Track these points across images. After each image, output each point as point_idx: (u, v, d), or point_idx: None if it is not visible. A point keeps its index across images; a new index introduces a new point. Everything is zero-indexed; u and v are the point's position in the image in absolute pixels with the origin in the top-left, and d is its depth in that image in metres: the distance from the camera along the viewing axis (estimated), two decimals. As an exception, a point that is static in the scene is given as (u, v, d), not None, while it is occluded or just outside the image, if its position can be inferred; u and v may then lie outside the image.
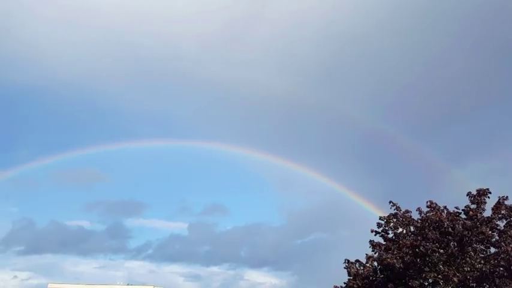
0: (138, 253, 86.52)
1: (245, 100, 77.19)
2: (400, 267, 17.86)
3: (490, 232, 18.56)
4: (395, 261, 17.86)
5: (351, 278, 19.19)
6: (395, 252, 18.26)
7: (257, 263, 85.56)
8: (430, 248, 17.52)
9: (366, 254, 19.35)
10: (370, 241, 19.37)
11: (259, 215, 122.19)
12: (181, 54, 76.67)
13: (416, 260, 17.79)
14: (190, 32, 73.39)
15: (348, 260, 19.41)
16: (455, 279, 17.27)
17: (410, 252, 17.94)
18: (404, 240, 18.33)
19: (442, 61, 70.49)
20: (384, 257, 18.32)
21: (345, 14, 69.96)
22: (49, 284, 54.25)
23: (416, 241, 18.11)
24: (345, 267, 19.38)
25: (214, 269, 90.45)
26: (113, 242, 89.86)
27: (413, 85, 72.04)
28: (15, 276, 76.39)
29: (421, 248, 17.62)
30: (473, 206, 19.03)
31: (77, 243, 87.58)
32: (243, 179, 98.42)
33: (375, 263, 19.13)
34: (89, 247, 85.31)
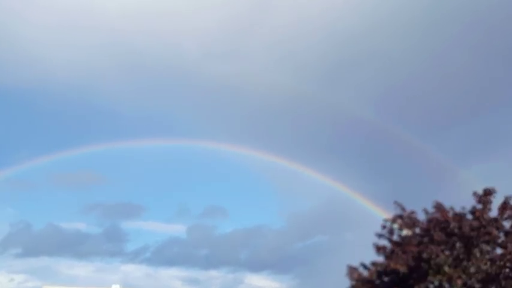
0: (135, 256, 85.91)
1: (246, 100, 76.89)
2: (404, 272, 17.61)
3: (496, 233, 18.32)
4: (399, 265, 17.62)
5: (354, 283, 18.90)
6: (400, 256, 18.01)
7: (257, 267, 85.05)
8: (434, 253, 17.24)
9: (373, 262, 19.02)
10: (374, 244, 19.11)
11: (260, 218, 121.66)
12: (182, 52, 76.41)
13: (421, 264, 17.52)
14: (191, 27, 72.94)
15: (351, 266, 19.12)
16: (459, 281, 17.02)
17: (415, 256, 17.68)
18: (409, 246, 18.05)
19: (448, 61, 70.09)
20: (387, 262, 18.13)
21: (349, 12, 69.54)
22: (43, 287, 54.09)
23: (420, 245, 17.83)
24: (348, 273, 19.04)
25: (213, 272, 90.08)
26: (110, 245, 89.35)
27: (419, 85, 71.68)
28: (12, 279, 76.24)
29: (425, 254, 17.35)
30: (479, 206, 18.78)
31: (73, 246, 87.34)
32: (242, 181, 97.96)
33: (379, 267, 18.85)
34: (86, 250, 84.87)
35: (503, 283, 17.41)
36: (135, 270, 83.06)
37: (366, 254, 19.63)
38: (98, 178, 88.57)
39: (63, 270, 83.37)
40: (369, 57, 71.20)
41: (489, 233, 18.09)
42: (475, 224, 18.26)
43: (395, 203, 19.47)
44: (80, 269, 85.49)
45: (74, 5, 71.98)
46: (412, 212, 19.35)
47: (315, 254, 73.84)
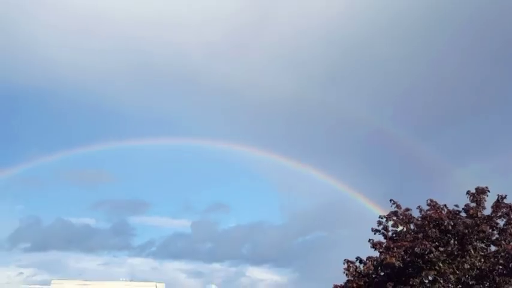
0: (141, 250, 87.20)
1: (250, 102, 77.45)
2: (399, 266, 17.90)
3: (490, 230, 18.63)
4: (394, 260, 17.90)
5: (350, 277, 19.17)
6: (395, 251, 18.29)
7: (258, 260, 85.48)
8: (427, 248, 17.55)
9: (369, 257, 19.29)
10: (370, 240, 19.41)
11: (261, 214, 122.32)
12: (188, 58, 77.06)
13: (416, 259, 17.83)
14: (197, 38, 73.57)
15: (348, 260, 19.38)
16: (452, 277, 17.34)
17: (409, 251, 17.98)
18: (402, 242, 18.36)
19: (443, 63, 70.53)
20: (383, 257, 18.39)
21: (348, 21, 70.14)
22: (52, 281, 54.40)
23: (414, 241, 18.12)
24: (344, 269, 19.27)
25: (216, 265, 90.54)
26: (118, 240, 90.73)
27: (415, 87, 72.13)
28: (21, 273, 76.56)
29: (417, 249, 17.65)
30: (473, 205, 19.09)
31: (82, 241, 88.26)
32: (245, 178, 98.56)
33: (375, 262, 19.12)
34: (94, 244, 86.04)
35: (497, 280, 17.63)
36: (141, 264, 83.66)
37: (363, 249, 19.90)
38: (106, 175, 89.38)
39: (71, 263, 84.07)
40: (368, 63, 71.48)
41: (483, 231, 18.36)
42: (469, 221, 18.56)
43: (391, 200, 19.84)
44: (88, 263, 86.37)
45: (87, 10, 72.74)
46: (407, 209, 19.65)
47: (315, 249, 74.19)
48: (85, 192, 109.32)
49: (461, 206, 19.42)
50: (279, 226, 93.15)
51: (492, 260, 18.19)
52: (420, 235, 18.48)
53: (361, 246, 20.17)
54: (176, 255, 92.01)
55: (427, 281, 17.75)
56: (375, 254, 19.26)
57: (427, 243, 17.70)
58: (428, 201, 19.32)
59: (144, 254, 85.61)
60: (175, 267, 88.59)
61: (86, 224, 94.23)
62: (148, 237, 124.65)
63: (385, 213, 20.11)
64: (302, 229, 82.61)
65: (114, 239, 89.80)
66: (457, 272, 17.82)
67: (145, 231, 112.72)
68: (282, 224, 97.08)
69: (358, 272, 19.06)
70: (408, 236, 18.89)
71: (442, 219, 18.63)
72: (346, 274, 19.13)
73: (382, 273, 18.79)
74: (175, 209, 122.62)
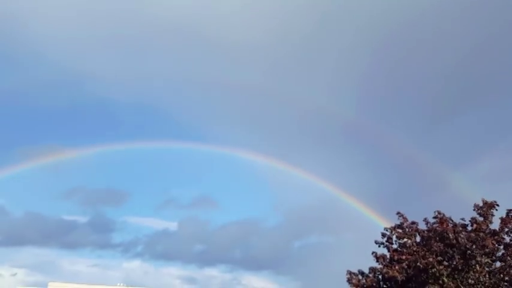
0: (126, 250, 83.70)
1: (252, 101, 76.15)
2: (402, 280, 17.65)
3: (496, 245, 18.29)
4: (397, 274, 17.64)
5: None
6: (397, 264, 18.02)
7: (254, 266, 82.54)
8: (430, 263, 17.25)
9: (372, 268, 19.04)
10: (373, 253, 19.10)
11: (255, 212, 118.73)
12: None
13: (419, 273, 17.55)
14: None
15: (350, 272, 19.12)
16: None
17: (412, 265, 17.70)
18: (405, 255, 18.05)
19: (443, 58, 69.65)
20: (385, 270, 18.12)
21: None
22: (49, 283, 53.50)
23: (416, 255, 17.79)
24: (347, 279, 19.05)
25: (210, 271, 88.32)
26: (97, 237, 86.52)
27: (413, 86, 71.48)
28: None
29: (420, 263, 17.35)
30: (480, 219, 18.72)
31: (62, 238, 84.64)
32: (237, 175, 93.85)
33: (378, 274, 18.87)
34: (77, 242, 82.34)
35: (501, 296, 17.41)
36: (132, 267, 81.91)
37: (367, 255, 19.62)
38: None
39: (64, 265, 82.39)
40: (363, 63, 70.43)
41: (486, 246, 18.02)
42: (473, 235, 18.24)
43: (398, 213, 19.50)
44: (79, 265, 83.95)
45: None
46: (413, 222, 19.32)
47: (314, 254, 72.17)
48: (56, 184, 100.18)
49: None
50: (273, 225, 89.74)
51: (497, 275, 17.93)
52: (425, 248, 18.16)
53: (366, 252, 19.78)
54: (165, 257, 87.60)
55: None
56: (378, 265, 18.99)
57: (431, 258, 17.41)
58: (436, 214, 18.97)
59: (130, 254, 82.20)
60: (168, 272, 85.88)
61: (73, 220, 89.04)
62: (131, 235, 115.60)
63: (386, 219, 19.88)
64: (299, 228, 79.65)
65: (93, 236, 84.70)
66: (461, 287, 17.54)
67: (126, 227, 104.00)
68: (277, 223, 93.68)
69: (361, 283, 18.79)
70: (413, 248, 18.51)
71: (446, 232, 18.29)
72: (350, 285, 18.89)
73: (384, 286, 18.55)
74: (161, 207, 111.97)
